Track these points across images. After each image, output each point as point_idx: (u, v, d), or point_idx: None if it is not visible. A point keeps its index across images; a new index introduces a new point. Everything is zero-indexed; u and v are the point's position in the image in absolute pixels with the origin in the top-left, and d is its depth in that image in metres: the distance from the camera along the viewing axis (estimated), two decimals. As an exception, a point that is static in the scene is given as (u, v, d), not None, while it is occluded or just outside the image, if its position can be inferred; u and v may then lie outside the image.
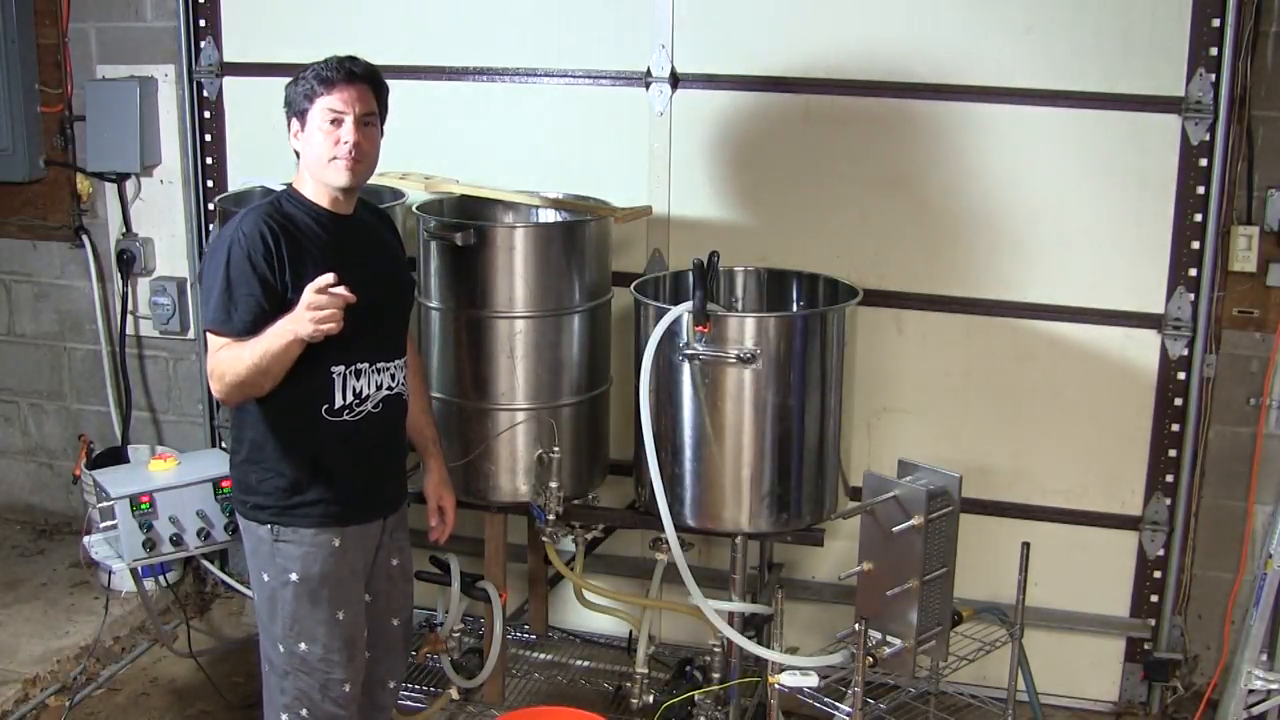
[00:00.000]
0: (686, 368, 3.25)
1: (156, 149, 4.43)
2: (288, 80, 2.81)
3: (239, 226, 2.70)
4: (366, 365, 2.81)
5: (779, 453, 3.28)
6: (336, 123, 2.71)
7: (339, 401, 2.77)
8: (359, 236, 2.85)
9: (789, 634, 3.24)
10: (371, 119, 2.77)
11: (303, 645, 2.79)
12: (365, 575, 2.91)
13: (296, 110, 2.76)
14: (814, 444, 3.32)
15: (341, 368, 2.76)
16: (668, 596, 3.69)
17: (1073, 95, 3.61)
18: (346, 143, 2.71)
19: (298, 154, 2.82)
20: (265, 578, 2.80)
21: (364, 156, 2.75)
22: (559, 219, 3.75)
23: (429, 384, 3.43)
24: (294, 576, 2.77)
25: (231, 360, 2.63)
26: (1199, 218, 3.60)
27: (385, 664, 3.07)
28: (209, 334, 2.70)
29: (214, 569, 4.50)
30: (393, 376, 2.88)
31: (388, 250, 2.96)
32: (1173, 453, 3.76)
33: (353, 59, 2.77)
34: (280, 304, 2.64)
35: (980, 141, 3.70)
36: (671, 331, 3.23)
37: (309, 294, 2.56)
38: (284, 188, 2.88)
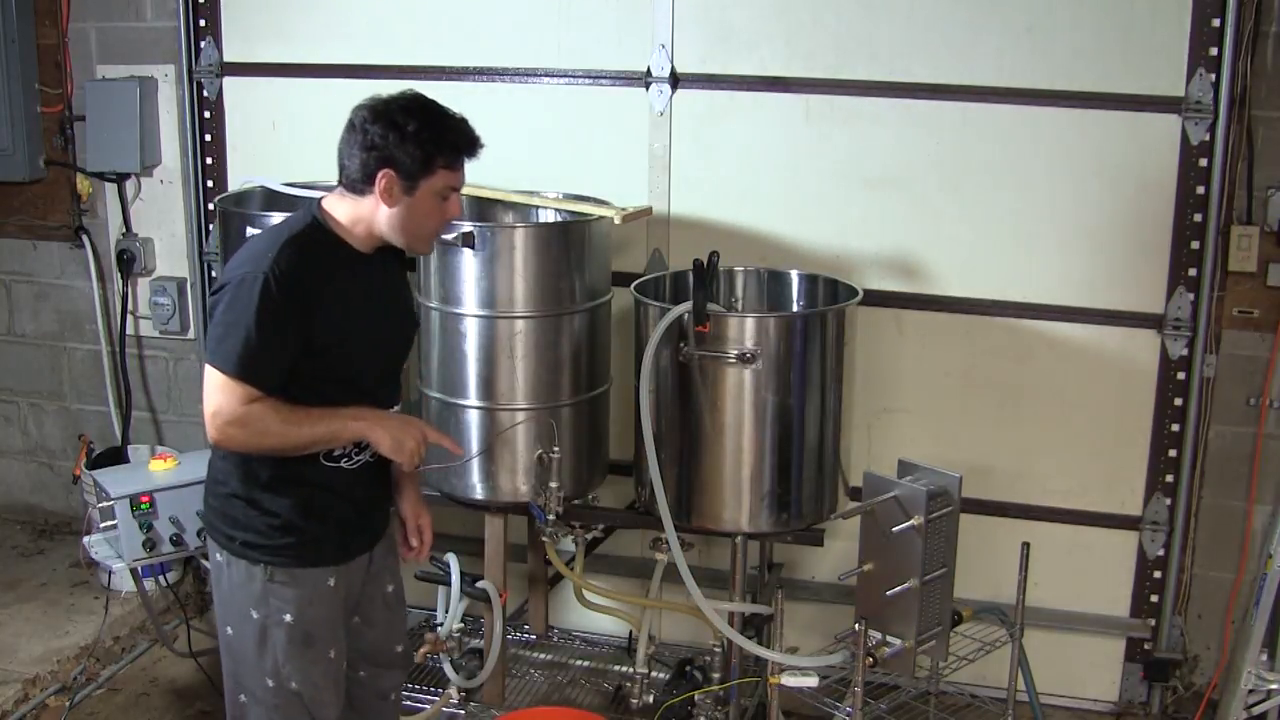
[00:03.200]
0: (686, 368, 3.25)
1: (156, 149, 4.43)
2: (372, 108, 2.52)
3: (275, 261, 2.44)
4: None
5: (779, 453, 3.28)
6: (447, 198, 2.57)
7: (338, 450, 2.62)
8: (376, 279, 2.65)
9: (789, 634, 3.24)
10: None
11: (293, 685, 2.68)
12: (351, 605, 2.81)
13: (405, 169, 2.49)
14: (814, 444, 3.32)
15: None
16: (668, 596, 3.69)
17: (1073, 95, 3.61)
18: (451, 219, 2.62)
19: (352, 191, 2.55)
20: (254, 614, 2.65)
21: None
22: (559, 219, 3.75)
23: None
24: (288, 618, 2.64)
25: (272, 423, 2.46)
26: (1199, 218, 3.60)
27: (384, 680, 2.99)
28: (222, 375, 2.44)
29: (214, 569, 4.50)
30: None
31: (401, 293, 2.79)
32: (1173, 453, 3.76)
33: (474, 129, 2.58)
34: (303, 349, 2.50)
35: (980, 141, 3.70)
36: (671, 331, 3.23)
37: (421, 429, 2.62)
38: (312, 215, 2.59)
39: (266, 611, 2.64)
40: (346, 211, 2.57)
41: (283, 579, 2.62)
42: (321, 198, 2.64)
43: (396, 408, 2.77)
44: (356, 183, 2.53)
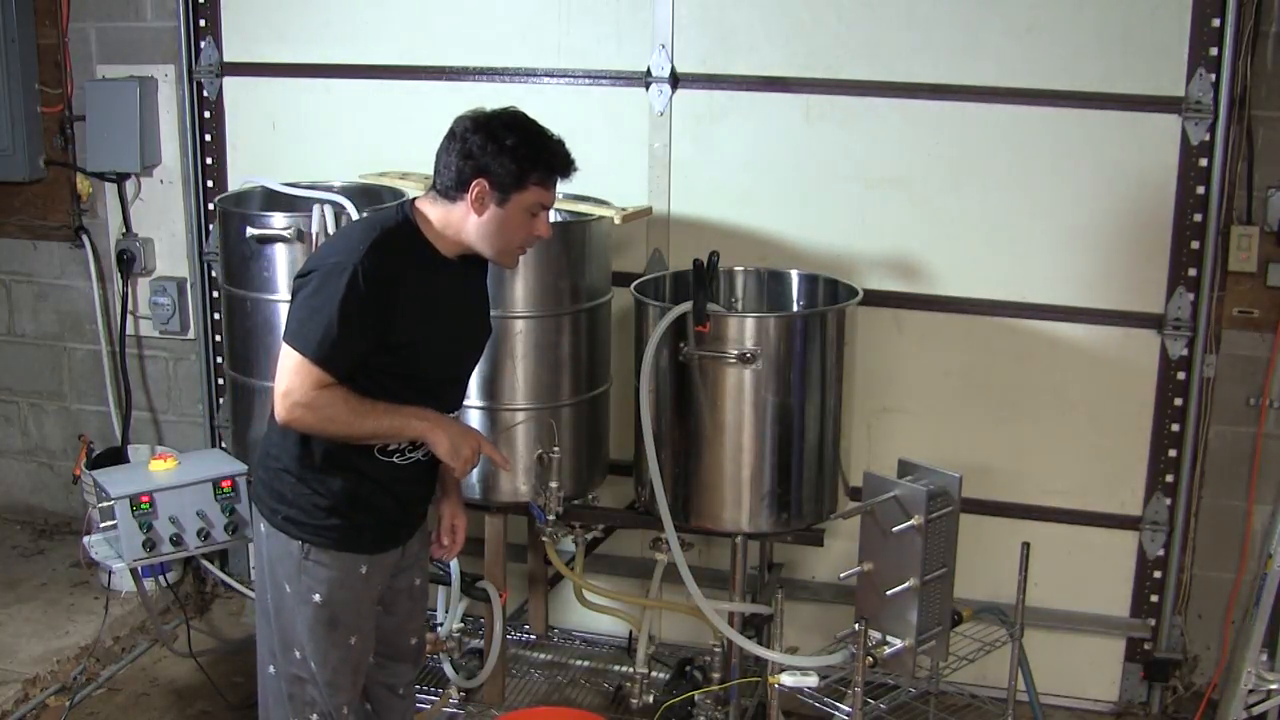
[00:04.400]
0: (686, 368, 3.25)
1: (156, 149, 4.43)
2: (475, 118, 2.56)
3: (365, 255, 2.48)
4: None
5: (779, 453, 3.28)
6: (537, 215, 2.60)
7: (393, 445, 2.67)
8: (457, 284, 2.70)
9: (789, 634, 3.24)
10: None
11: (312, 665, 2.73)
12: (380, 597, 2.85)
13: (498, 180, 2.54)
14: (814, 444, 3.32)
15: None
16: (668, 596, 3.69)
17: (1073, 95, 3.61)
18: (539, 236, 2.63)
19: (444, 197, 2.59)
20: (288, 588, 2.72)
21: None
22: (559, 219, 3.75)
23: None
24: (318, 598, 2.69)
25: (340, 410, 2.52)
26: (1199, 218, 3.60)
27: (393, 673, 3.02)
28: (300, 356, 2.50)
29: (214, 569, 4.51)
30: None
31: (479, 302, 2.84)
32: (1173, 453, 3.76)
33: (567, 149, 2.62)
34: (379, 344, 2.55)
35: (980, 141, 3.70)
36: (671, 331, 3.23)
37: (478, 440, 2.67)
38: (404, 214, 2.62)
39: (298, 587, 2.70)
40: (438, 215, 2.62)
41: (318, 558, 2.68)
42: (415, 198, 2.68)
43: (458, 412, 2.83)
44: (450, 188, 2.58)
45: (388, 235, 2.56)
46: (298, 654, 2.75)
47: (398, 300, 2.53)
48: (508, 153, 2.53)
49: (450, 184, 2.58)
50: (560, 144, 2.62)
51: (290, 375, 2.52)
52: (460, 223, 2.60)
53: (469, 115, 2.61)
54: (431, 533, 3.01)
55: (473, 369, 2.93)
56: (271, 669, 2.82)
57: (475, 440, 2.69)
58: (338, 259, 2.52)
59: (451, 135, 2.60)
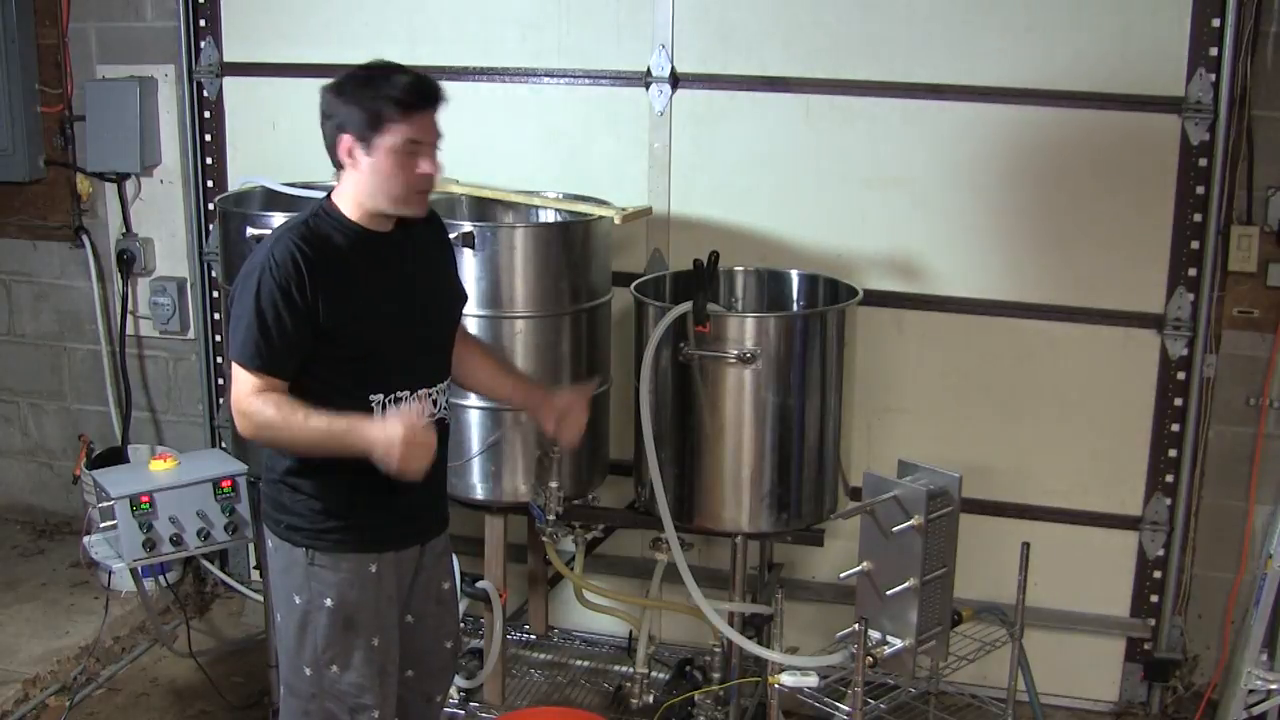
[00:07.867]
0: (686, 368, 3.25)
1: (156, 149, 4.43)
2: (327, 83, 2.53)
3: (271, 252, 2.51)
4: (407, 394, 2.64)
5: (779, 453, 3.28)
6: (414, 153, 2.50)
7: None
8: (400, 254, 2.65)
9: (789, 634, 3.24)
10: (440, 141, 2.57)
11: (334, 669, 2.68)
12: (402, 600, 2.80)
13: (358, 131, 2.49)
14: (814, 444, 3.32)
15: (381, 395, 2.60)
16: (668, 596, 3.69)
17: (1073, 95, 3.61)
18: (429, 175, 2.52)
19: (340, 166, 2.58)
20: (297, 600, 2.68)
21: (434, 184, 2.58)
22: (559, 219, 3.75)
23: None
24: (329, 602, 2.65)
25: (278, 417, 2.48)
26: (1199, 218, 3.60)
27: (431, 682, 2.98)
28: (237, 366, 2.52)
29: (214, 569, 4.51)
30: (435, 403, 2.71)
31: (434, 265, 2.77)
32: (1173, 453, 3.76)
33: (425, 79, 2.52)
34: (314, 332, 2.52)
35: (980, 141, 3.70)
36: (672, 331, 3.23)
37: (405, 429, 2.42)
38: (320, 204, 2.64)
39: (309, 596, 2.67)
40: (342, 192, 2.62)
41: (323, 562, 2.66)
42: (334, 188, 2.67)
43: (444, 384, 2.76)
44: (333, 159, 2.59)
45: (294, 229, 2.56)
46: (308, 671, 2.70)
47: (317, 286, 2.50)
48: (353, 101, 2.49)
49: (331, 154, 2.57)
50: (403, 74, 2.51)
51: (232, 384, 2.55)
52: (354, 187, 2.57)
53: (330, 80, 2.57)
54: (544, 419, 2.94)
55: (444, 337, 2.81)
56: (284, 690, 2.78)
57: (404, 432, 2.43)
58: (249, 267, 2.54)
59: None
